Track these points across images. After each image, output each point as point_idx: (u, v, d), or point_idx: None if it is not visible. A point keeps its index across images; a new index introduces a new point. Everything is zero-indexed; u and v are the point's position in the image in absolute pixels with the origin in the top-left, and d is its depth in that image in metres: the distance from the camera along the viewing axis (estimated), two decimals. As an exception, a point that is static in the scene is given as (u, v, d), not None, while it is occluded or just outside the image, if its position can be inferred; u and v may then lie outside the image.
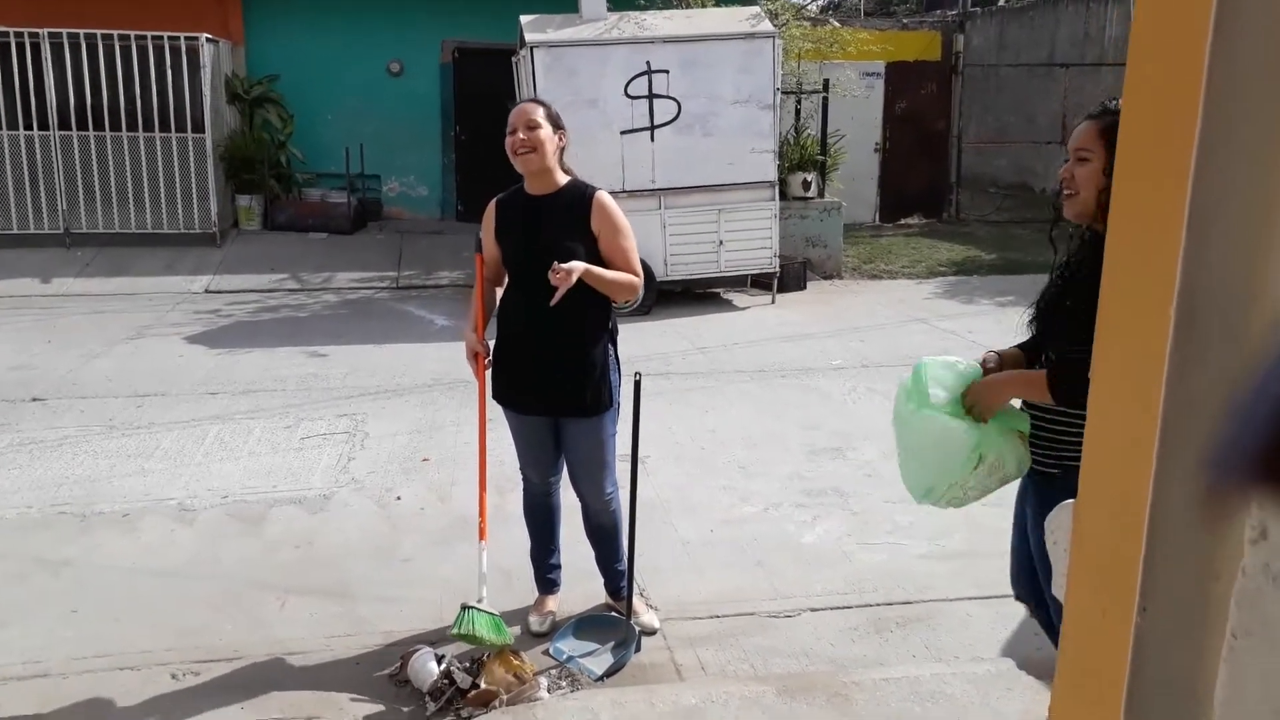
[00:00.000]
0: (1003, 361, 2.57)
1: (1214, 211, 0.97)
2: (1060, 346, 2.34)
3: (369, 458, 5.14)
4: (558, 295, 3.05)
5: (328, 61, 11.89)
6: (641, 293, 3.37)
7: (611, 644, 3.34)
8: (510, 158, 3.21)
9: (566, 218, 3.21)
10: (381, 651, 3.37)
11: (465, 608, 3.13)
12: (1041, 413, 2.41)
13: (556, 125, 3.22)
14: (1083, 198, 2.32)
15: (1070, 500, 1.57)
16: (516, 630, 3.50)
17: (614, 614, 3.51)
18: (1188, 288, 0.99)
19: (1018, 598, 2.78)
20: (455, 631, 3.09)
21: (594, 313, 3.25)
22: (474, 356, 3.31)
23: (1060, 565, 1.68)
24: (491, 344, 3.36)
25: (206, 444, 5.33)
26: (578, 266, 3.06)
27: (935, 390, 2.40)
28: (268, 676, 3.23)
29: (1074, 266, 2.38)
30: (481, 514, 3.32)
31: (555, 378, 3.23)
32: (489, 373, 3.34)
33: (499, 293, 3.41)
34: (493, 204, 3.37)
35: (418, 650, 3.21)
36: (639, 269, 3.28)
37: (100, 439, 5.40)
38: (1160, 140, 1.05)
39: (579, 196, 3.23)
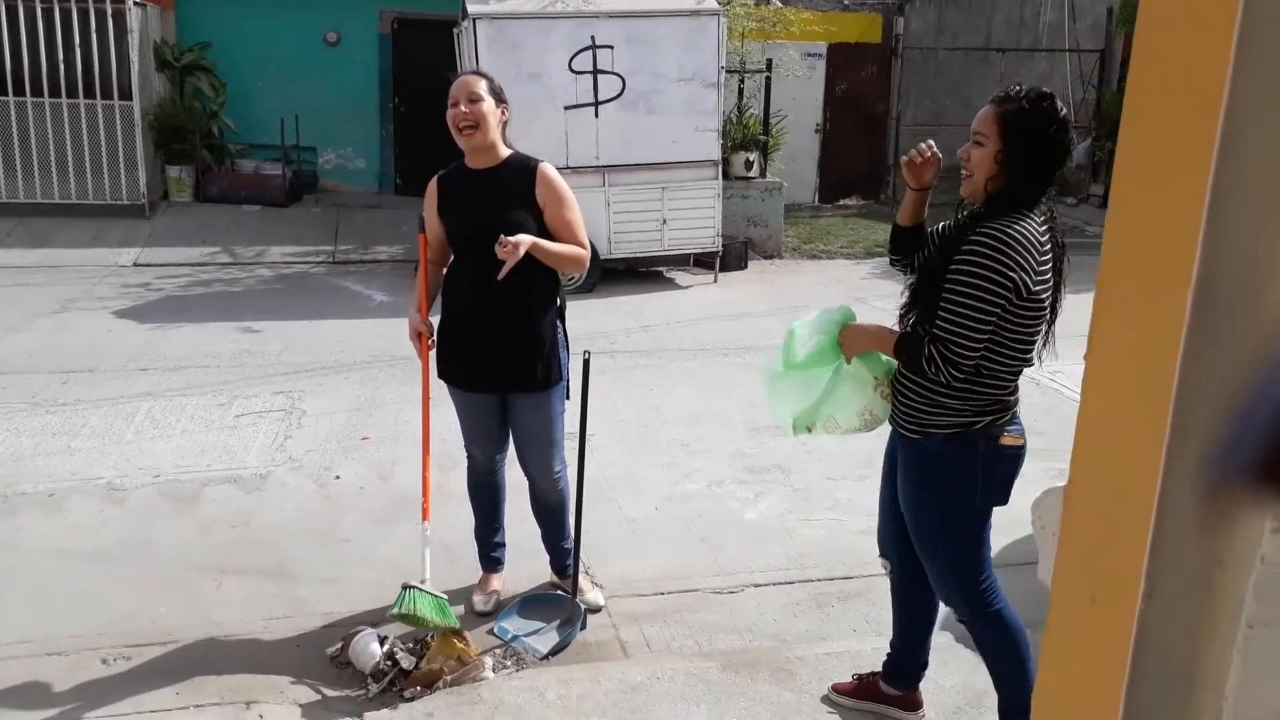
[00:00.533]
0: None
1: (1234, 193, 0.95)
2: (920, 314, 2.47)
3: (306, 436, 5.04)
4: (505, 268, 3.01)
5: (262, 30, 11.54)
6: (587, 267, 3.34)
7: (557, 622, 3.34)
8: (453, 132, 3.15)
9: (510, 190, 3.17)
10: (321, 633, 3.32)
11: (406, 588, 3.09)
12: (905, 382, 2.54)
13: (499, 98, 3.17)
14: (975, 179, 2.43)
15: (1059, 485, 1.59)
16: (460, 610, 3.47)
17: (559, 592, 3.50)
18: (1207, 271, 0.96)
19: (881, 554, 2.88)
20: (395, 612, 3.05)
21: (541, 286, 3.21)
22: (418, 336, 3.26)
23: (1048, 551, 1.69)
24: (436, 321, 3.31)
25: (137, 421, 5.18)
26: (525, 239, 3.02)
27: (802, 347, 2.66)
28: (204, 659, 3.17)
29: (943, 240, 2.51)
30: (425, 493, 3.28)
31: (503, 353, 3.19)
32: (433, 351, 3.29)
33: (444, 273, 3.36)
34: (434, 180, 3.31)
35: (359, 631, 3.17)
36: (586, 241, 3.25)
37: (23, 416, 5.22)
38: (1177, 115, 1.02)
39: (522, 169, 3.19)
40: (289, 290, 8.45)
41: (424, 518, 3.27)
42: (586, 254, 3.25)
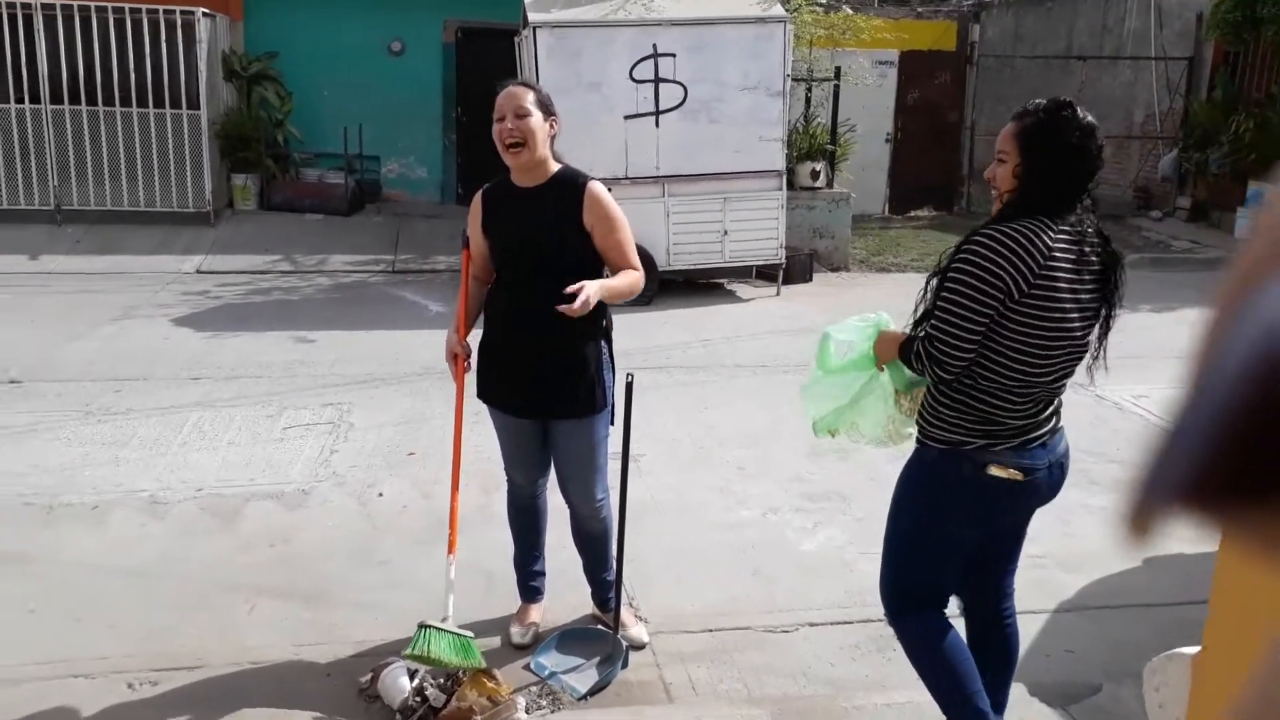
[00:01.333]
0: None
1: None
2: (924, 317, 2.40)
3: (352, 450, 4.93)
4: (577, 305, 2.82)
5: (328, 39, 11.63)
6: (642, 287, 3.15)
7: (597, 659, 3.14)
8: (499, 148, 2.97)
9: (557, 210, 2.99)
10: (352, 662, 3.17)
11: (423, 627, 2.90)
12: (927, 390, 2.47)
13: (548, 111, 2.99)
14: (1002, 197, 2.35)
15: (1184, 650, 1.33)
16: (495, 642, 3.30)
17: (600, 627, 3.31)
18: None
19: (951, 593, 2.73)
20: (408, 653, 2.85)
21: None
22: (453, 358, 3.08)
23: None
24: (478, 340, 3.15)
25: (185, 432, 5.13)
26: (592, 291, 2.83)
27: (838, 352, 2.62)
28: (230, 687, 3.04)
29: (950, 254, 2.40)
30: (452, 525, 3.10)
31: (545, 377, 3.01)
32: (471, 373, 3.12)
33: (485, 290, 3.20)
34: (479, 195, 3.15)
35: (390, 663, 3.02)
36: (638, 262, 3.07)
37: (76, 425, 5.21)
38: None
39: (570, 187, 3.00)
40: (346, 299, 8.42)
41: (450, 551, 3.09)
42: (641, 278, 3.07)
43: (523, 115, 2.92)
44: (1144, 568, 3.94)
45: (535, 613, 3.39)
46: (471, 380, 3.13)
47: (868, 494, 4.54)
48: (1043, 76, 14.24)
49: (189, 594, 3.57)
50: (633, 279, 3.01)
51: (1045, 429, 2.37)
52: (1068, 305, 2.25)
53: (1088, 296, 2.28)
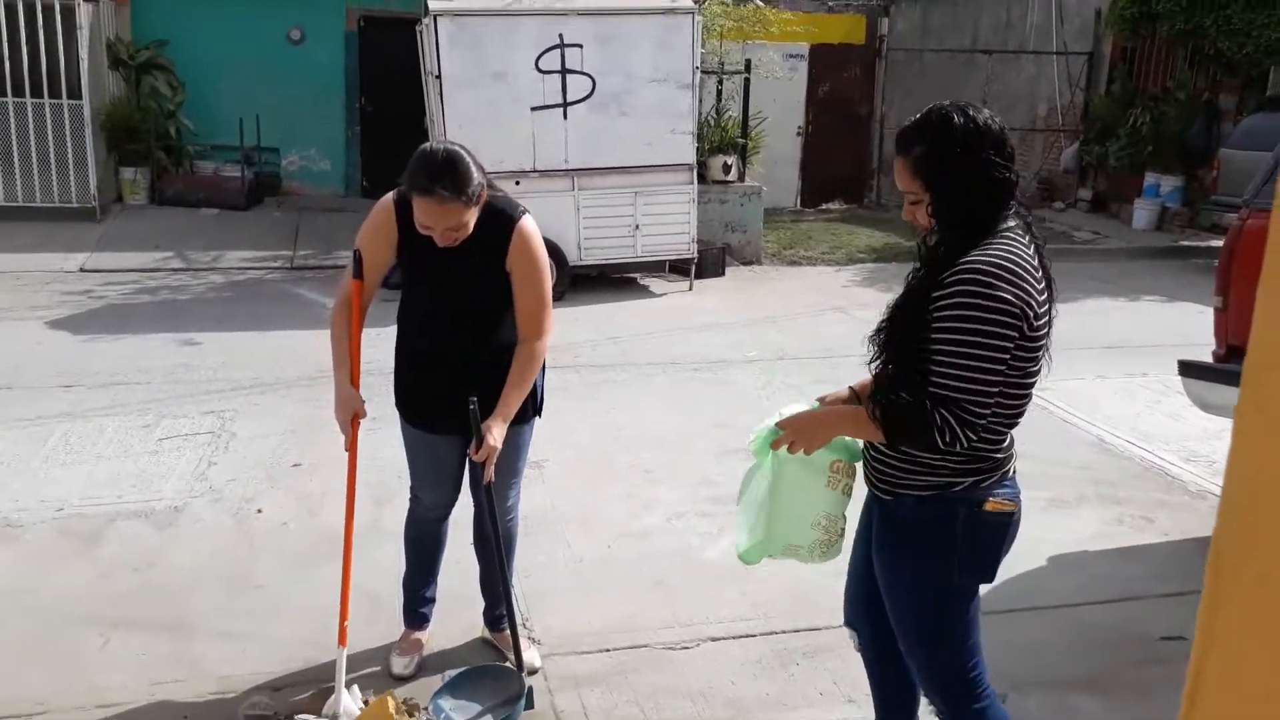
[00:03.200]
0: (854, 397, 2.31)
1: None
2: (906, 377, 2.04)
3: (232, 462, 4.62)
4: (486, 471, 2.70)
5: (223, 27, 11.12)
6: (543, 357, 2.91)
7: (498, 700, 2.89)
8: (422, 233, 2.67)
9: (485, 253, 2.73)
10: (213, 703, 2.91)
11: None
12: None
13: (476, 198, 2.63)
14: (928, 237, 2.09)
15: None
16: (376, 668, 3.07)
17: (505, 665, 3.06)
18: None
19: (847, 623, 2.49)
20: None
21: (512, 322, 2.83)
22: (349, 419, 2.76)
23: None
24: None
25: (49, 446, 4.75)
26: (498, 437, 2.68)
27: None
28: (74, 735, 2.76)
29: (919, 278, 2.08)
30: (343, 609, 2.81)
31: (477, 391, 2.71)
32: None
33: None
34: (390, 205, 2.77)
35: (253, 705, 2.77)
36: (547, 321, 2.82)
37: (-74, 440, 4.79)
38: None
39: (498, 226, 2.73)
40: (239, 298, 8.02)
41: (340, 642, 2.78)
42: (543, 350, 2.82)
43: (457, 229, 2.64)
44: (1048, 567, 3.90)
45: (421, 640, 3.16)
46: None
47: (774, 497, 4.42)
48: (949, 70, 14.41)
49: (37, 631, 3.25)
50: (534, 368, 2.79)
51: (1013, 454, 2.18)
52: (1050, 315, 2.06)
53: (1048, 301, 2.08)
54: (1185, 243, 10.96)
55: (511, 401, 2.75)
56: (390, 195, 2.80)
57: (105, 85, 10.33)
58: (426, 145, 2.66)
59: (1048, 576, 3.82)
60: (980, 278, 1.93)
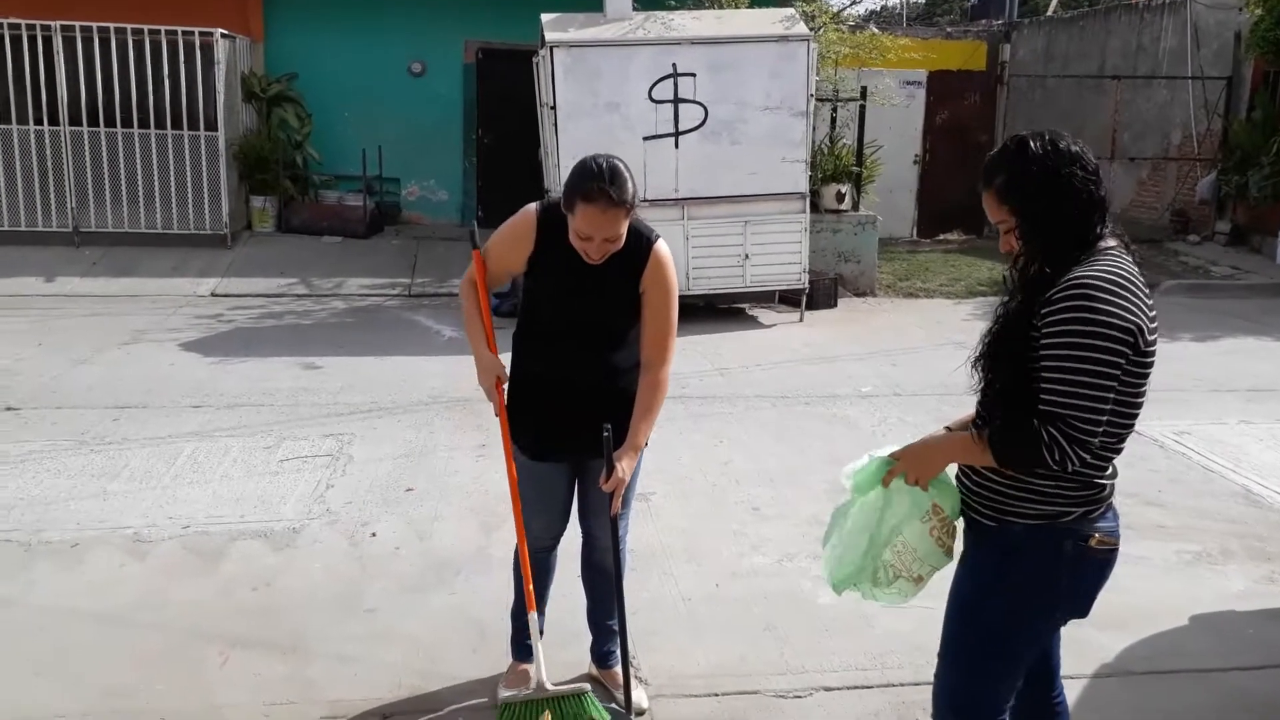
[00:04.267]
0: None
1: None
2: (1014, 398, 2.00)
3: (349, 485, 4.71)
4: (615, 503, 2.71)
5: (348, 61, 11.55)
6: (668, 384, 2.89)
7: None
8: (573, 243, 2.66)
9: (620, 272, 2.72)
10: (325, 726, 2.93)
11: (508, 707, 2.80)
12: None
13: (633, 208, 2.63)
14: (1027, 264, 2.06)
15: None
16: (483, 700, 3.05)
17: (615, 706, 3.00)
18: None
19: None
20: None
21: (632, 344, 2.81)
22: (494, 383, 2.80)
23: None
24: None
25: (178, 464, 4.94)
26: (627, 468, 2.70)
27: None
28: (192, 753, 2.81)
29: (1014, 307, 2.05)
30: (526, 575, 2.92)
31: (592, 419, 2.69)
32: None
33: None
34: (534, 216, 2.76)
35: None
36: (673, 344, 2.80)
37: (67, 455, 5.03)
38: None
39: (635, 245, 2.71)
40: (359, 324, 8.25)
41: (529, 606, 2.90)
42: (668, 375, 2.82)
43: (614, 240, 2.64)
44: (1191, 626, 3.63)
45: (529, 674, 3.12)
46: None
47: (890, 539, 4.25)
48: (1075, 97, 13.92)
49: (161, 644, 3.35)
50: (660, 395, 2.78)
51: (1114, 484, 2.10)
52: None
53: None
54: (1335, 278, 10.26)
55: (642, 432, 2.73)
56: (534, 206, 2.80)
57: (239, 117, 10.84)
58: (587, 157, 2.64)
59: (1191, 637, 3.55)
60: (1092, 293, 1.91)
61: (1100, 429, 1.91)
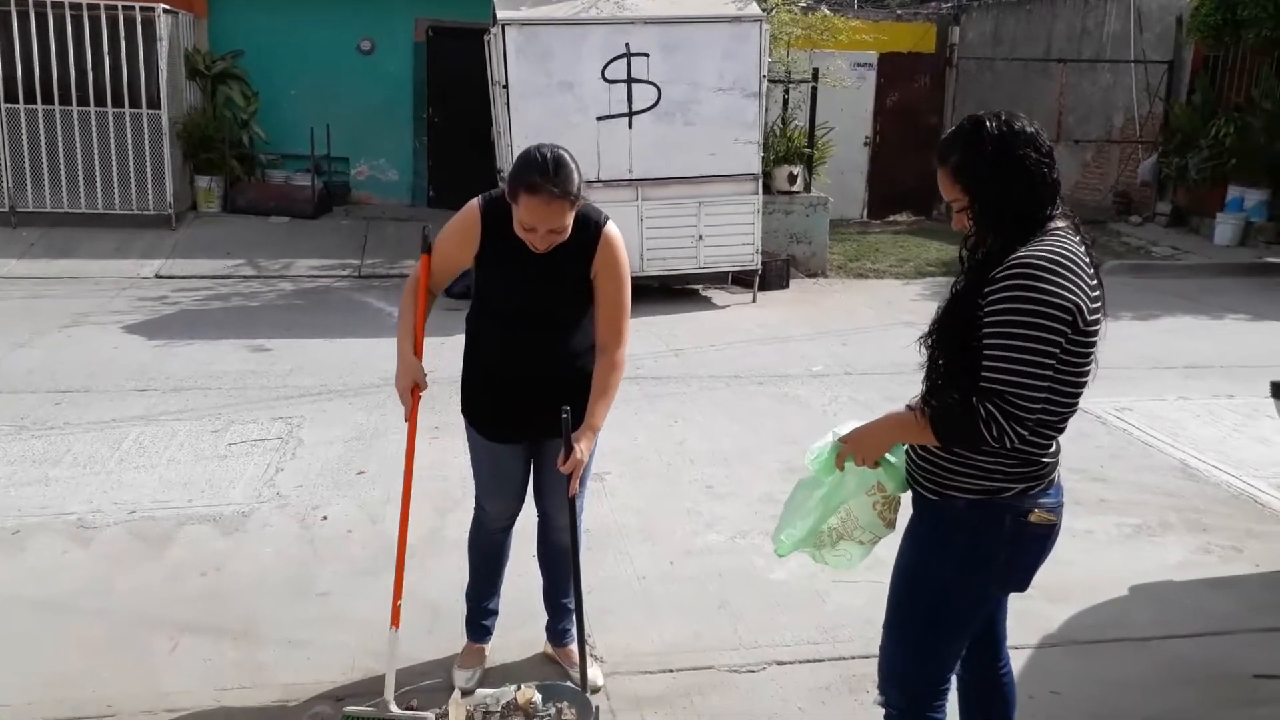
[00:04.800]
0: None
1: None
2: (957, 376, 2.04)
3: (299, 468, 4.66)
4: (572, 484, 2.69)
5: (295, 38, 11.34)
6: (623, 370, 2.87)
7: (562, 721, 2.83)
8: (522, 238, 2.64)
9: (571, 258, 2.70)
10: (277, 711, 2.90)
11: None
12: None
13: (578, 199, 2.61)
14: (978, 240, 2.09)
15: None
16: (437, 680, 3.05)
17: (569, 684, 3.01)
18: None
19: None
20: None
21: (588, 327, 2.80)
22: (409, 389, 2.75)
23: None
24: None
25: (123, 449, 4.84)
26: (585, 452, 2.67)
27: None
28: (141, 740, 2.77)
29: (973, 267, 2.08)
30: (397, 590, 2.82)
31: (551, 401, 2.68)
32: (424, 406, 2.84)
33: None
34: (477, 210, 2.74)
35: (315, 716, 2.76)
36: (627, 325, 2.78)
37: (6, 440, 4.91)
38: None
39: (584, 229, 2.69)
40: (308, 306, 8.14)
41: (393, 623, 2.79)
42: (624, 356, 2.80)
43: (559, 231, 2.61)
44: (1131, 597, 3.73)
45: (483, 654, 3.13)
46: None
47: (842, 516, 4.31)
48: (1022, 80, 14.11)
49: (107, 631, 3.29)
50: (616, 377, 2.76)
51: (1058, 461, 2.15)
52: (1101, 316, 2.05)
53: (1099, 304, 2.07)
54: (1271, 259, 10.53)
55: (599, 413, 2.72)
56: (477, 200, 2.78)
57: (182, 95, 10.59)
58: (531, 147, 2.62)
59: (1131, 607, 3.65)
60: (1032, 271, 1.93)
61: (1038, 406, 1.95)
